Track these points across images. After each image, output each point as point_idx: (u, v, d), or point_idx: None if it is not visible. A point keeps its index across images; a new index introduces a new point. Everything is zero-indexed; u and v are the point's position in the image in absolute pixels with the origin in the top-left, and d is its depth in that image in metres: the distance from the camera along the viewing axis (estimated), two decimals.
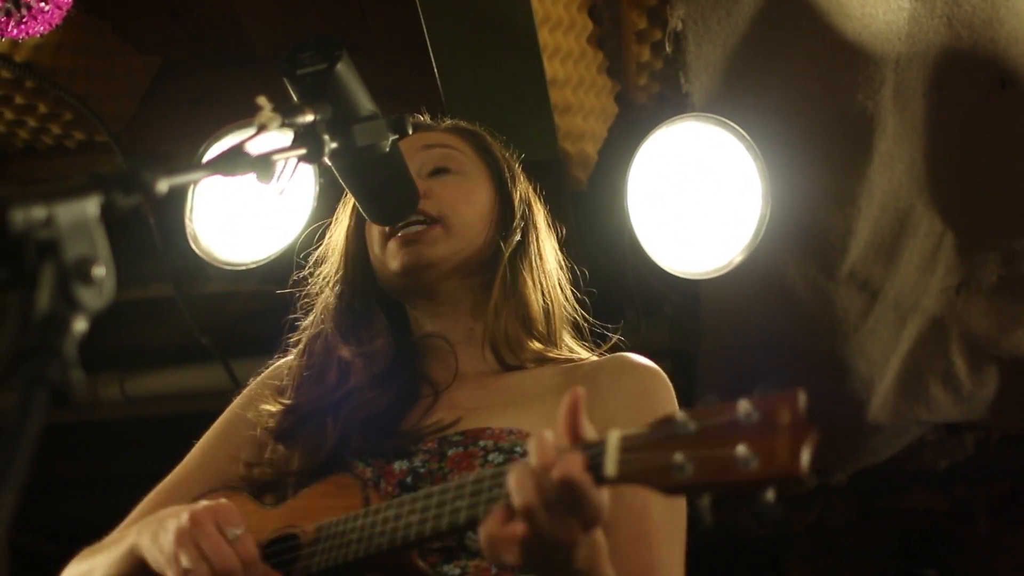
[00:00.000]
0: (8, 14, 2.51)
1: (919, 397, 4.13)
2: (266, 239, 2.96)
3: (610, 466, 1.26)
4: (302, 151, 1.47)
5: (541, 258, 2.02)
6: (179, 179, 1.14)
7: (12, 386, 0.87)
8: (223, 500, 1.62)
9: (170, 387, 4.12)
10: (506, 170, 2.06)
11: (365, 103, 1.62)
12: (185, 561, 1.51)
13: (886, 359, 3.93)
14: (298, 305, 2.09)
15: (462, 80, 2.86)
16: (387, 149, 1.66)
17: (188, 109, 3.39)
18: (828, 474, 4.73)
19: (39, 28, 2.59)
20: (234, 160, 1.30)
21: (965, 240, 3.58)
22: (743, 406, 1.19)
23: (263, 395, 1.96)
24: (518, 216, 2.01)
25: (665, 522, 1.68)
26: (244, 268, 2.97)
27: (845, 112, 3.11)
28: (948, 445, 4.65)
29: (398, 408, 1.86)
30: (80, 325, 0.92)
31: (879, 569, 5.26)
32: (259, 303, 3.74)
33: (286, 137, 1.47)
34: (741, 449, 1.17)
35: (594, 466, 1.28)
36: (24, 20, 2.54)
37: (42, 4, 2.54)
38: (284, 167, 1.44)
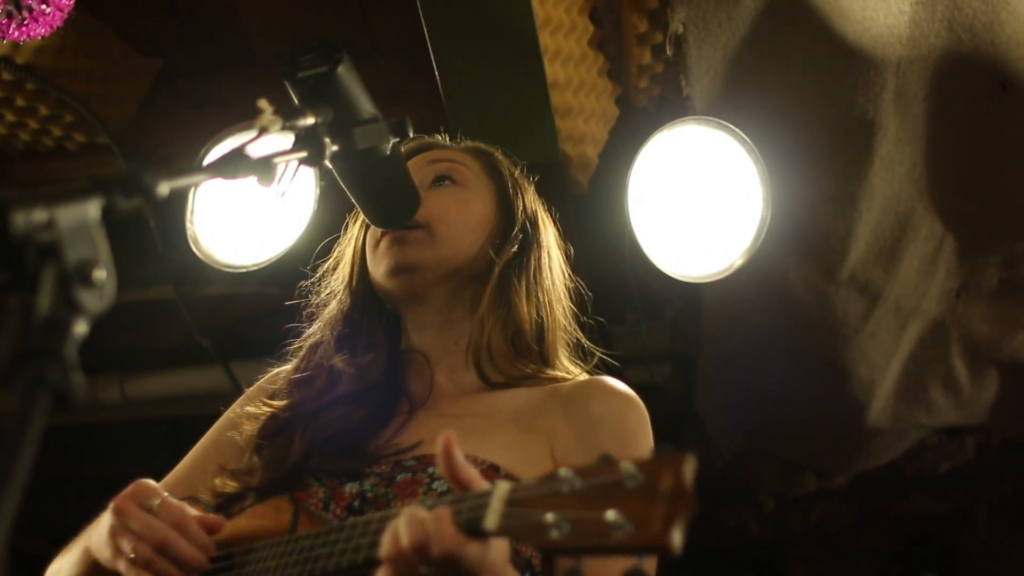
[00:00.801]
0: (9, 16, 2.51)
1: (919, 400, 4.13)
2: (266, 242, 2.96)
3: (491, 519, 1.23)
4: (303, 154, 1.47)
5: (540, 274, 2.01)
6: (180, 182, 1.14)
7: (13, 389, 0.87)
8: (141, 480, 1.65)
9: (170, 389, 4.12)
10: (511, 187, 2.06)
11: (366, 106, 1.62)
12: (125, 548, 1.55)
13: (886, 362, 3.93)
14: (304, 313, 2.10)
15: (463, 83, 2.86)
16: (388, 152, 1.66)
17: (189, 111, 3.39)
18: (828, 477, 4.73)
19: (40, 30, 2.59)
20: (235, 163, 1.30)
21: (966, 243, 3.58)
22: (626, 467, 1.15)
23: (255, 402, 1.97)
24: (517, 228, 2.01)
25: None
26: (244, 270, 2.97)
27: (846, 115, 3.12)
28: (948, 449, 4.65)
29: (372, 424, 1.86)
30: (81, 328, 0.92)
31: (879, 572, 5.25)
32: (259, 305, 3.74)
33: (287, 140, 1.47)
34: (612, 514, 1.11)
35: (474, 519, 1.25)
36: (25, 22, 2.54)
37: (43, 6, 2.54)
38: (285, 170, 1.44)
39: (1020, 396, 4.17)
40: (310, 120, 1.48)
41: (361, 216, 2.04)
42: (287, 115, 1.44)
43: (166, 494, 1.60)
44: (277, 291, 3.39)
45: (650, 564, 1.63)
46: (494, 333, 1.92)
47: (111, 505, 1.60)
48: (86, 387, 0.90)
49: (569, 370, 1.98)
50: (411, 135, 1.70)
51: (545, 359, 1.97)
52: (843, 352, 3.84)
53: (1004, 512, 5.02)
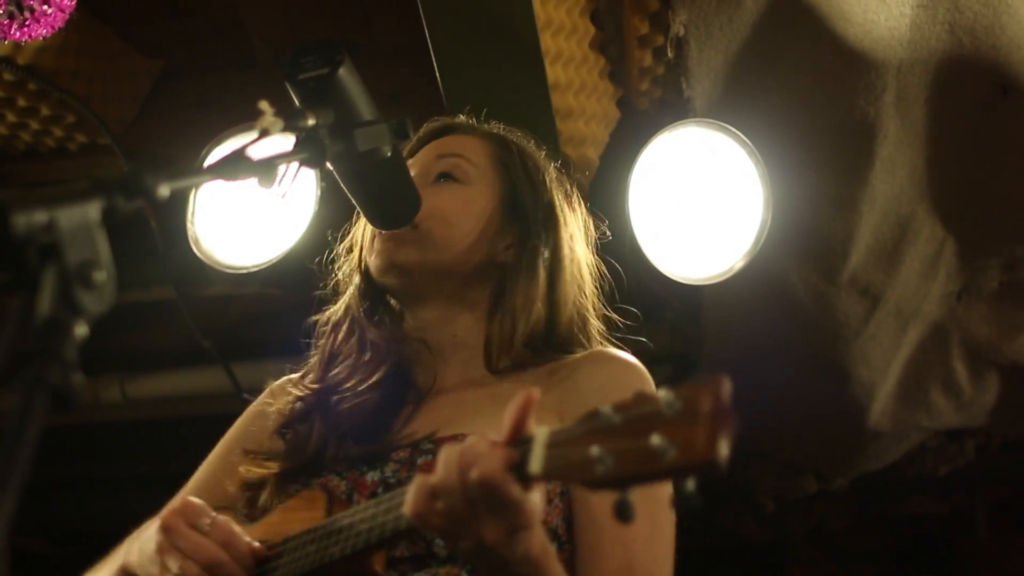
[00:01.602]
0: (11, 17, 2.52)
1: (920, 403, 4.13)
2: (268, 243, 2.96)
3: (535, 463, 1.24)
4: (304, 155, 1.47)
5: (555, 269, 1.99)
6: (181, 183, 1.14)
7: (13, 389, 0.88)
8: (187, 498, 1.64)
9: (171, 389, 4.12)
10: (521, 181, 2.04)
11: (367, 107, 1.63)
12: (172, 566, 1.54)
13: (887, 365, 3.93)
14: (317, 301, 2.11)
15: (464, 84, 2.86)
16: (389, 154, 1.66)
17: (190, 112, 3.40)
18: (829, 479, 4.73)
19: (42, 31, 2.59)
20: (236, 164, 1.30)
21: (966, 246, 3.58)
22: (664, 396, 1.17)
23: (276, 399, 1.98)
24: (525, 224, 1.99)
25: (643, 520, 1.67)
26: (245, 271, 2.98)
27: (847, 118, 3.12)
28: (949, 451, 4.65)
29: (383, 415, 1.87)
30: (81, 329, 0.92)
31: (879, 574, 5.25)
32: (260, 306, 3.74)
33: (288, 141, 1.48)
34: (657, 439, 1.14)
35: (520, 464, 1.26)
36: (27, 23, 2.54)
37: (45, 7, 2.54)
38: (286, 171, 1.44)
39: (1020, 398, 4.17)
40: (311, 122, 1.49)
41: None
42: (288, 116, 1.45)
43: (215, 514, 1.60)
44: (278, 292, 3.39)
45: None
46: (499, 331, 1.92)
47: (159, 523, 1.59)
48: (87, 387, 0.90)
49: (581, 347, 1.97)
50: (411, 136, 1.70)
51: (554, 347, 1.96)
52: (843, 354, 3.84)
53: (1004, 514, 5.02)
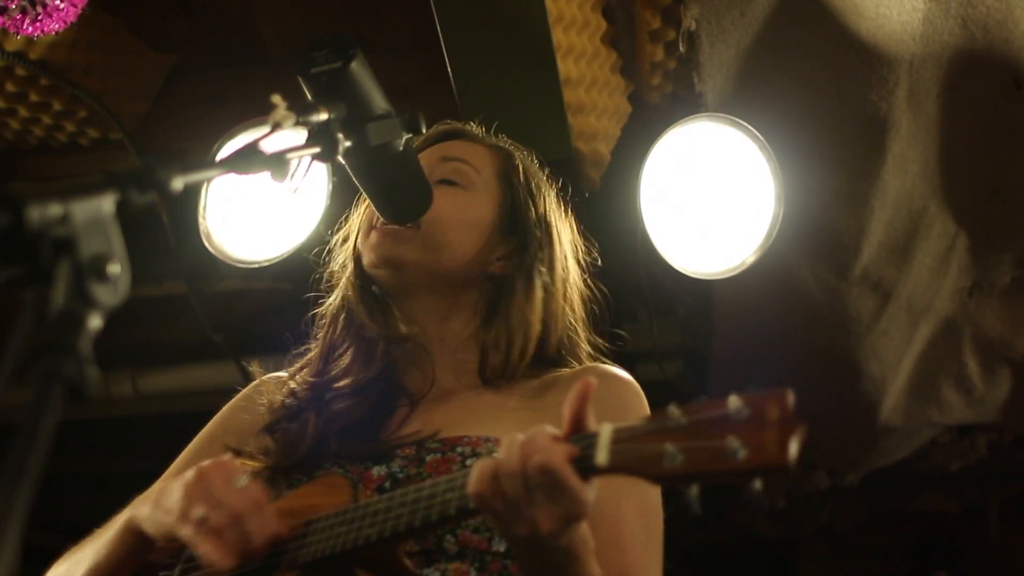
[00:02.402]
0: (23, 12, 2.52)
1: (931, 399, 4.12)
2: (279, 237, 2.96)
3: (601, 456, 1.30)
4: (316, 150, 1.47)
5: (549, 284, 2.00)
6: (193, 177, 1.15)
7: (28, 382, 0.88)
8: (228, 458, 1.65)
9: (182, 384, 4.13)
10: (522, 196, 2.04)
11: (379, 102, 1.63)
12: (199, 511, 1.53)
13: (898, 360, 3.93)
14: (322, 278, 2.11)
15: (476, 79, 2.86)
16: (401, 148, 1.66)
17: (202, 107, 3.40)
18: (839, 475, 4.72)
19: (54, 26, 2.60)
20: (248, 158, 1.30)
21: (978, 242, 3.57)
22: (733, 402, 1.23)
23: (262, 393, 1.98)
24: (521, 238, 2.00)
25: (639, 529, 1.69)
26: (257, 266, 2.98)
27: (859, 113, 3.11)
28: (960, 447, 4.64)
29: (378, 415, 1.87)
30: (95, 322, 0.92)
31: (890, 571, 5.25)
32: (272, 301, 3.75)
33: (300, 135, 1.48)
34: (731, 440, 1.20)
35: (585, 456, 1.31)
36: (39, 18, 2.55)
37: (57, 2, 2.55)
38: (298, 165, 1.44)
39: None
40: (323, 116, 1.49)
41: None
42: (300, 111, 1.45)
43: (249, 477, 1.60)
44: (290, 287, 3.39)
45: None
46: (495, 345, 1.93)
47: (195, 469, 1.58)
48: (99, 382, 0.90)
49: (560, 368, 1.98)
50: (424, 131, 1.70)
51: (544, 361, 1.98)
52: (855, 350, 3.83)
53: (1016, 511, 5.01)
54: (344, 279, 2.03)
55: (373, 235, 1.94)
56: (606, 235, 3.35)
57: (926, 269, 3.61)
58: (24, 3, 2.52)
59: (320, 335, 2.04)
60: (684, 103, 3.21)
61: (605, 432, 1.31)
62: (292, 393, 1.94)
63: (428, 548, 1.64)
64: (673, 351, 4.03)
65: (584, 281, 2.11)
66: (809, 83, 3.08)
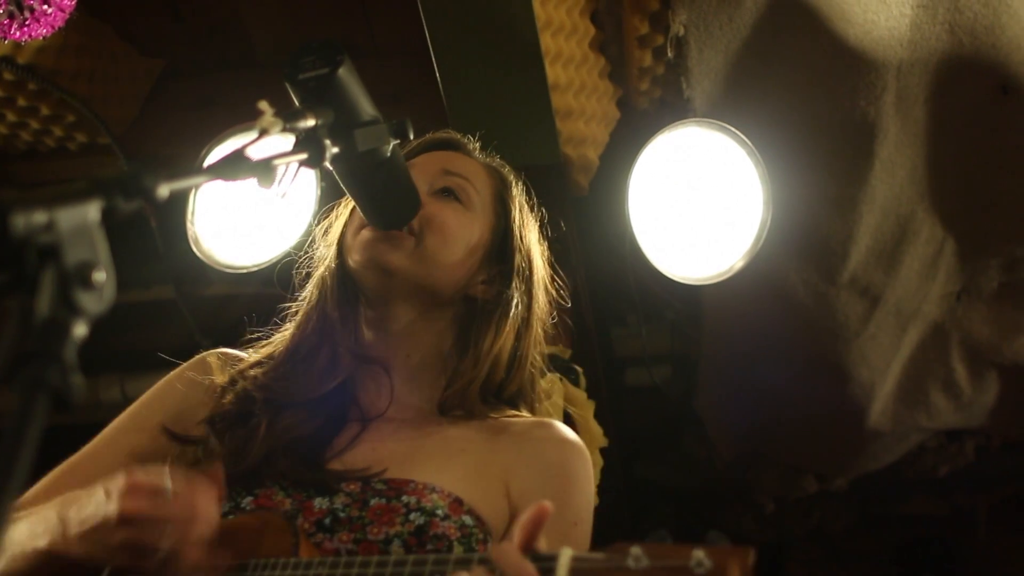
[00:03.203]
0: (11, 16, 2.52)
1: (920, 403, 4.13)
2: (267, 242, 2.96)
3: None
4: (303, 156, 1.47)
5: (523, 319, 1.98)
6: (180, 184, 1.14)
7: (12, 390, 0.88)
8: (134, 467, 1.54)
9: None
10: (515, 226, 2.02)
11: (367, 108, 1.62)
12: (123, 535, 1.44)
13: (887, 365, 3.93)
14: (299, 274, 2.08)
15: (464, 84, 2.86)
16: (388, 154, 1.66)
17: (190, 112, 3.40)
18: (828, 480, 4.73)
19: (42, 31, 2.59)
20: (235, 164, 1.30)
21: (966, 246, 3.58)
22: (696, 554, 1.23)
23: (207, 370, 1.93)
24: (505, 268, 1.98)
25: None
26: (245, 271, 2.97)
27: (847, 118, 3.12)
28: (949, 451, 4.65)
29: (327, 431, 1.83)
30: (80, 330, 0.92)
31: (879, 575, 5.25)
32: (260, 306, 3.74)
33: (288, 141, 1.47)
34: None
35: None
36: (27, 23, 2.54)
37: (45, 7, 2.54)
38: (285, 171, 1.44)
39: (1020, 399, 4.17)
40: (311, 122, 1.48)
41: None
42: (288, 116, 1.44)
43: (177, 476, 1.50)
44: (278, 292, 3.39)
45: None
46: (462, 373, 1.90)
47: (121, 484, 1.47)
48: (87, 387, 0.90)
49: (518, 412, 1.96)
50: (411, 137, 1.70)
51: (501, 399, 1.95)
52: (843, 354, 3.84)
53: (1004, 515, 5.02)
54: (321, 275, 2.00)
55: (366, 234, 1.90)
56: (595, 240, 3.37)
57: (914, 274, 3.62)
58: (12, 8, 2.51)
59: (289, 331, 1.99)
60: (672, 108, 3.22)
61: (564, 559, 1.29)
62: (245, 391, 1.87)
63: None
64: (662, 356, 4.04)
65: (544, 327, 2.07)
66: (797, 88, 3.08)
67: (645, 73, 3.15)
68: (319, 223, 2.11)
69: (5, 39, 2.60)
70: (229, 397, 1.88)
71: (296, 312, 2.02)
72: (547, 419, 1.94)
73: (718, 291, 3.30)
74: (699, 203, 2.93)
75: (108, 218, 1.01)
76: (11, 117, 3.23)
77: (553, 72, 2.93)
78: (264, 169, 1.32)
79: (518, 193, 2.09)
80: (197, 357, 2.00)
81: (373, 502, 1.69)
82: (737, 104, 3.07)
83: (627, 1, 2.97)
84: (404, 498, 1.69)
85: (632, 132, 3.22)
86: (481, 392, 1.91)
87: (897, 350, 3.89)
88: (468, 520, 1.69)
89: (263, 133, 1.38)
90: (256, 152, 1.32)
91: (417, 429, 1.87)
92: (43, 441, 0.88)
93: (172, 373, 2.00)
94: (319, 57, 1.59)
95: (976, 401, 4.15)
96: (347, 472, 1.74)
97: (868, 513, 5.09)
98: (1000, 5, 2.90)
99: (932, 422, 4.26)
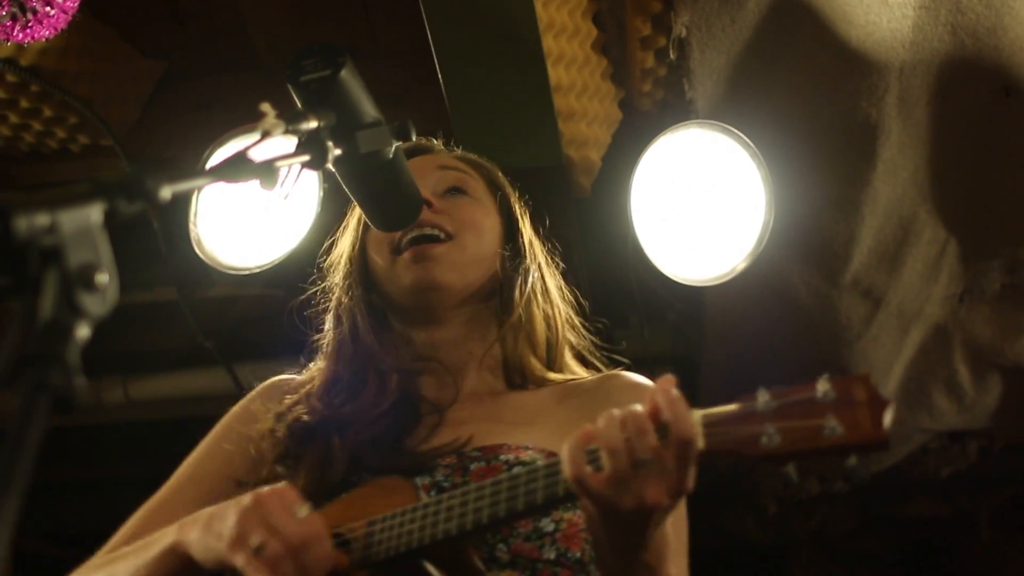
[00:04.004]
0: (13, 18, 2.52)
1: (922, 405, 4.13)
2: (270, 244, 2.96)
3: (698, 440, 1.37)
4: (306, 157, 1.47)
5: (548, 291, 2.05)
6: (182, 186, 1.14)
7: (15, 392, 0.88)
8: (289, 485, 1.59)
9: (173, 391, 4.13)
10: (515, 206, 2.09)
11: (369, 110, 1.63)
12: (255, 539, 1.48)
13: (889, 367, 3.93)
14: (315, 308, 2.09)
15: (466, 86, 2.86)
16: (391, 156, 1.66)
17: (193, 114, 3.40)
18: (831, 481, 4.72)
19: (44, 32, 2.60)
20: (238, 166, 1.30)
21: (969, 248, 3.57)
22: (822, 385, 1.32)
23: (260, 410, 1.93)
24: (527, 250, 2.04)
25: (673, 535, 1.69)
26: (248, 272, 2.98)
27: (849, 119, 3.11)
28: (951, 453, 4.65)
29: (404, 427, 1.85)
30: (83, 332, 0.92)
31: None
32: (262, 307, 3.74)
33: (290, 143, 1.48)
34: (828, 420, 1.30)
35: None
36: (29, 24, 2.55)
37: (47, 8, 2.54)
38: (288, 173, 1.44)
39: (1023, 400, 4.16)
40: (313, 124, 1.49)
41: (358, 211, 2.04)
42: (290, 118, 1.45)
43: (309, 506, 1.54)
44: (280, 293, 3.39)
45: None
46: (521, 346, 1.96)
47: (252, 495, 1.53)
48: (89, 389, 0.90)
49: (576, 371, 2.02)
50: (414, 139, 1.70)
51: (556, 365, 2.02)
52: (846, 356, 3.84)
53: (1006, 517, 5.02)
54: (345, 306, 2.01)
55: (405, 258, 1.92)
56: (597, 242, 3.37)
57: (916, 275, 3.62)
58: (15, 9, 2.52)
59: (323, 363, 2.00)
60: (675, 110, 3.22)
61: (696, 418, 1.38)
62: (296, 420, 1.86)
63: (479, 556, 1.63)
64: (664, 357, 4.03)
65: (564, 295, 2.14)
66: (799, 90, 3.08)
67: (647, 75, 3.15)
68: (321, 256, 2.12)
69: (8, 41, 2.60)
70: (282, 432, 1.86)
71: (325, 343, 2.03)
72: (615, 370, 2.00)
73: (720, 293, 3.30)
74: (701, 205, 2.93)
75: (111, 220, 1.01)
76: (14, 119, 3.23)
77: (555, 74, 2.93)
78: (266, 171, 1.32)
79: (499, 172, 2.15)
80: (258, 389, 1.99)
81: (473, 467, 1.72)
82: (739, 106, 3.07)
83: (629, 3, 2.96)
84: (502, 457, 1.73)
85: (634, 134, 3.22)
86: (539, 360, 1.98)
87: (899, 351, 3.89)
88: None
89: (265, 135, 1.38)
90: (258, 154, 1.32)
91: (494, 404, 1.91)
92: (45, 443, 0.88)
93: (231, 412, 1.98)
94: (321, 59, 1.60)
95: (978, 402, 4.15)
96: (438, 449, 1.77)
97: (870, 515, 5.08)
98: (1002, 7, 2.90)
99: (934, 423, 4.26)
